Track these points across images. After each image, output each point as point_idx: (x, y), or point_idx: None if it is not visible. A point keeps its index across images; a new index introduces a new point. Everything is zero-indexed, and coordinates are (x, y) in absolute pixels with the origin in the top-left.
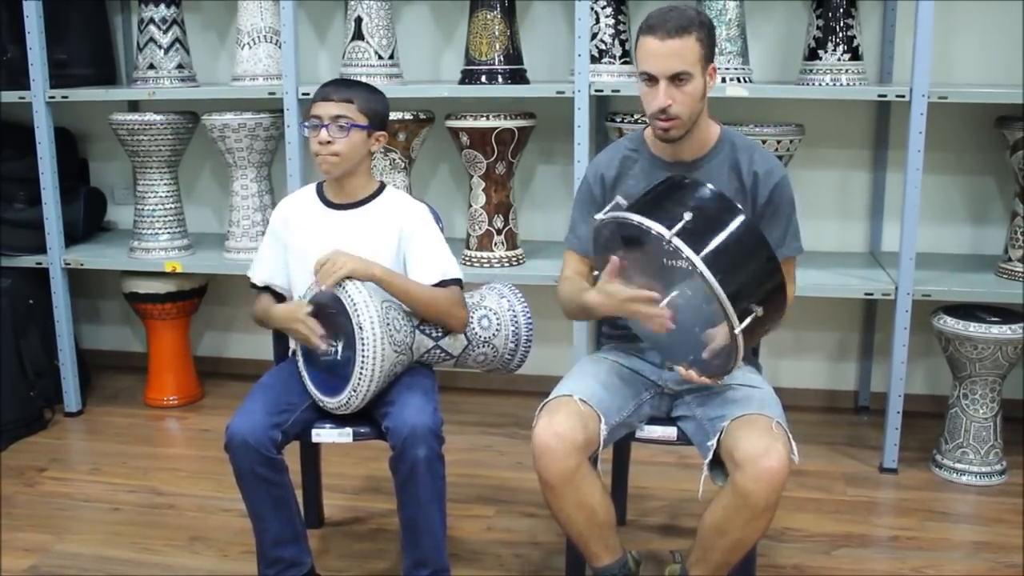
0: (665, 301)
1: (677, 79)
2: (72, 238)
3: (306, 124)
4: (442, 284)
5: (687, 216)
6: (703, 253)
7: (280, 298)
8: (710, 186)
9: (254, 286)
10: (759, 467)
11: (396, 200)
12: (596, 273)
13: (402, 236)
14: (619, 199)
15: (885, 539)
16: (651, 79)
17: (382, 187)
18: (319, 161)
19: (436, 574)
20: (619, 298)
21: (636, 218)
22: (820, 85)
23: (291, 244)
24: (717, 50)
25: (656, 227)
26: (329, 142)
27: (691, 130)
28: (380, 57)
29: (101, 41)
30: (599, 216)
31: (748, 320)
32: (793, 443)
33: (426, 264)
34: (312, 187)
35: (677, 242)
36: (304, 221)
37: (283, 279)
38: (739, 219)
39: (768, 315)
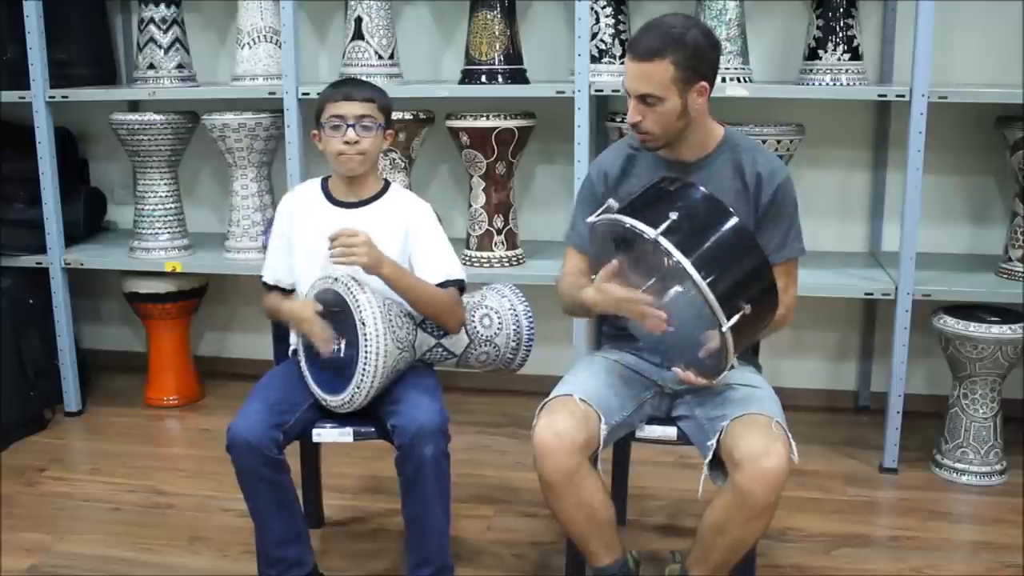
0: (665, 300)
1: (645, 99)
2: (72, 238)
3: (324, 124)
4: (445, 284)
5: (672, 216)
6: (689, 251)
7: (290, 294)
8: (701, 188)
9: (265, 284)
10: (759, 467)
11: (402, 198)
12: (593, 277)
13: (408, 234)
14: (611, 201)
15: (885, 539)
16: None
17: (387, 185)
18: (343, 160)
19: (440, 572)
20: (614, 297)
21: (627, 221)
22: (820, 85)
23: (296, 241)
24: None
25: (642, 228)
26: (356, 141)
27: (681, 138)
28: (380, 57)
29: (101, 41)
30: (590, 219)
31: (736, 318)
32: (793, 443)
33: (432, 263)
34: (316, 183)
35: (663, 240)
36: (310, 218)
37: (291, 278)
38: (729, 220)
39: (758, 314)
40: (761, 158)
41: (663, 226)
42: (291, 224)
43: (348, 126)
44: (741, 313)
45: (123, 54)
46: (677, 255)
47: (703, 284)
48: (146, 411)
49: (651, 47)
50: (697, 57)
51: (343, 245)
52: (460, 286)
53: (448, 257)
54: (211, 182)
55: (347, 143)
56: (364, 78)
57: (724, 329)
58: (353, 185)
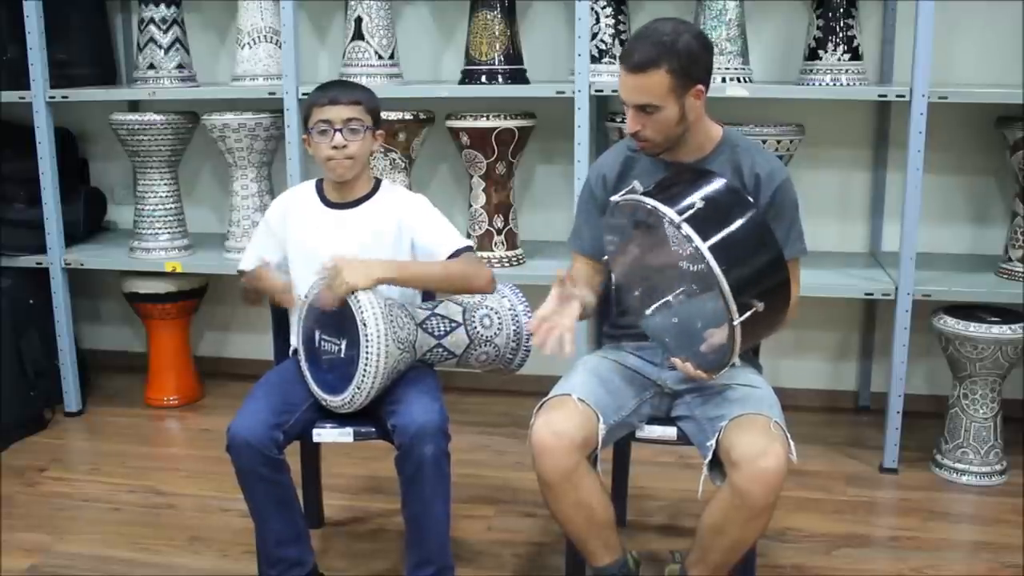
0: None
1: (644, 109)
2: (72, 238)
3: (312, 129)
4: (456, 255)
5: (699, 204)
6: (710, 241)
7: None
8: (724, 179)
9: (240, 272)
10: (756, 467)
11: (393, 194)
12: (605, 257)
13: (403, 228)
14: (635, 183)
15: (885, 539)
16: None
17: (378, 183)
18: (332, 166)
19: (440, 572)
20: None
21: (649, 202)
22: (820, 85)
23: (291, 241)
24: (717, 50)
25: (667, 211)
26: (344, 146)
27: (680, 141)
28: (380, 57)
29: (101, 41)
30: (615, 198)
31: (748, 314)
32: (791, 443)
33: (436, 243)
34: (311, 185)
35: (686, 228)
36: (304, 219)
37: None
38: (750, 213)
39: (768, 312)
40: (760, 159)
41: (689, 212)
42: (284, 225)
43: (335, 131)
44: (753, 310)
45: (123, 54)
46: (698, 243)
47: (720, 274)
48: (146, 411)
49: (644, 58)
50: (691, 62)
51: (336, 286)
52: (471, 251)
53: (449, 231)
54: (211, 182)
55: (335, 148)
56: (364, 78)
57: (735, 323)
58: (344, 187)
